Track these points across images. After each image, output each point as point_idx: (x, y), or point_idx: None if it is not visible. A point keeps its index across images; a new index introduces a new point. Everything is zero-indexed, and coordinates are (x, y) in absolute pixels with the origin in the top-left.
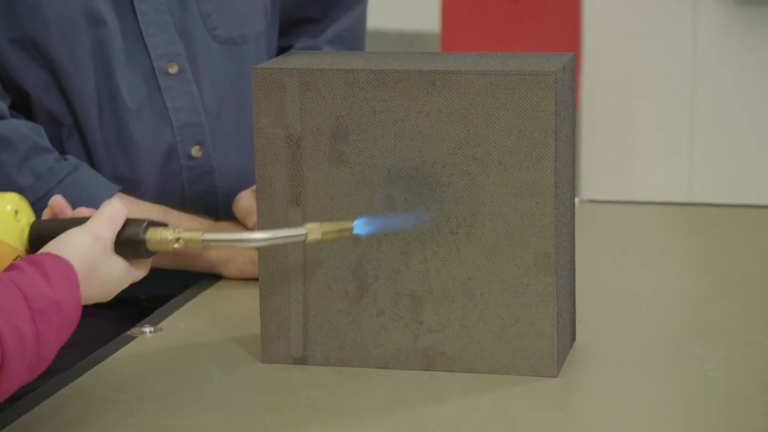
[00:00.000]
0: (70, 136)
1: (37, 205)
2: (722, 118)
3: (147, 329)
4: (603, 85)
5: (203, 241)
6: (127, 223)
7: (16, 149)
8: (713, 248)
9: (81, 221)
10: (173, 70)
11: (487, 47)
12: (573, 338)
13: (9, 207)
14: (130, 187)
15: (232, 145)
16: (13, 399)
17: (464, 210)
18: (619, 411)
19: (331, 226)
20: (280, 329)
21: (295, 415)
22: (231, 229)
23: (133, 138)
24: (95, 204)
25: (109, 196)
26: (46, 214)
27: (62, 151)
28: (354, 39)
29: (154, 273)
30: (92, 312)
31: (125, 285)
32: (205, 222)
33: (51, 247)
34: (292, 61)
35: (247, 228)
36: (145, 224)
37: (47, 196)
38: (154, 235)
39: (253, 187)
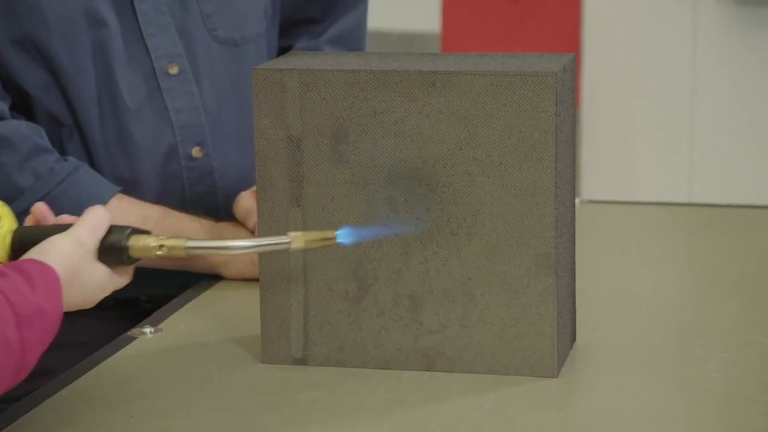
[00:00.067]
0: (70, 137)
1: None
2: (722, 118)
3: (147, 330)
4: (603, 86)
5: (186, 248)
6: (111, 229)
7: (17, 150)
8: (713, 249)
9: (64, 228)
10: (173, 70)
11: (487, 48)
12: (573, 338)
13: None
14: (131, 188)
15: (232, 146)
16: (12, 399)
17: (464, 210)
18: (619, 411)
19: (314, 235)
20: (280, 330)
21: (295, 416)
22: (231, 229)
23: (134, 138)
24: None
25: (110, 196)
26: (28, 221)
27: (62, 152)
28: (354, 39)
29: (155, 274)
30: (92, 313)
31: (107, 292)
32: (205, 223)
33: (34, 254)
34: (293, 61)
35: (248, 228)
36: (128, 231)
37: (47, 196)
38: (136, 242)
39: (254, 188)
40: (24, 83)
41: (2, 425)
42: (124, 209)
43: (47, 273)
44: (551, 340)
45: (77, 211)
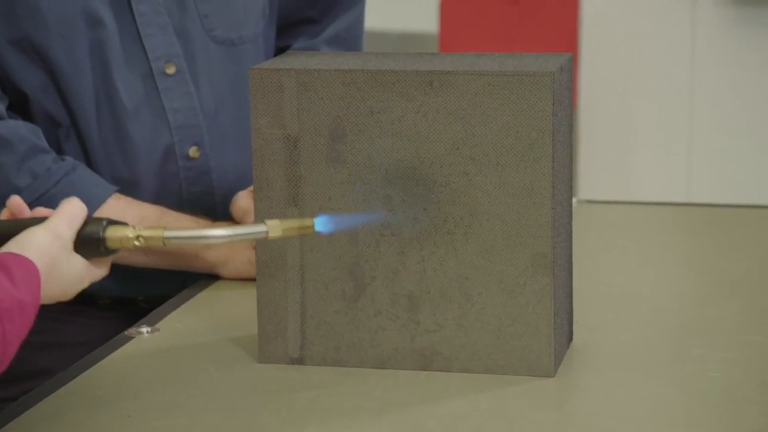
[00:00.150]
0: (67, 137)
1: (35, 205)
2: (721, 118)
3: (144, 329)
4: (601, 86)
5: (164, 238)
6: (87, 221)
7: (14, 150)
8: (711, 248)
9: (40, 220)
10: (171, 70)
11: (485, 48)
12: (570, 338)
13: None
14: (128, 188)
15: (229, 146)
16: (9, 399)
17: (461, 210)
18: (617, 411)
19: (291, 223)
20: (277, 329)
21: (292, 415)
22: None
23: (131, 138)
24: (93, 205)
25: (107, 196)
26: (4, 214)
27: (60, 152)
28: (352, 39)
29: (152, 274)
30: (90, 313)
31: (85, 284)
32: (202, 222)
33: (11, 247)
34: (290, 61)
35: None
36: (104, 222)
37: (44, 196)
38: (114, 233)
39: (251, 188)
40: (22, 83)
41: None
42: (121, 209)
43: (27, 266)
44: (548, 340)
45: None
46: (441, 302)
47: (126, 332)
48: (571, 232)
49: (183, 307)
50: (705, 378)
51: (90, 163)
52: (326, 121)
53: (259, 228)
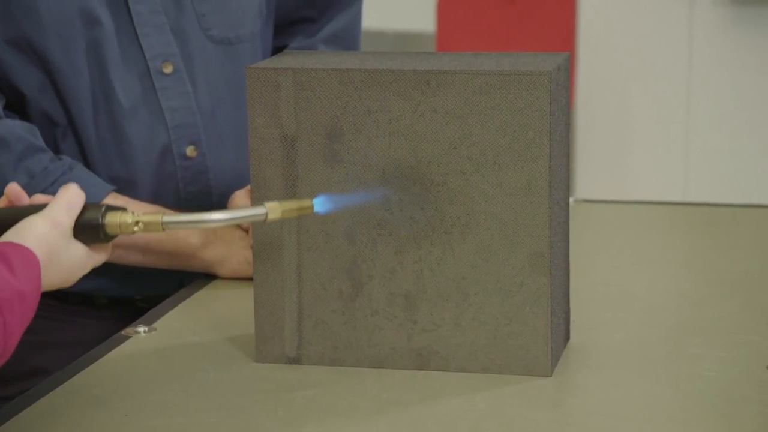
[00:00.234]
0: (64, 136)
1: None
2: (718, 117)
3: (141, 329)
4: (599, 85)
5: (163, 223)
6: (86, 207)
7: (11, 150)
8: (708, 248)
9: (39, 208)
10: (168, 70)
11: (482, 47)
12: (567, 338)
13: None
14: (125, 187)
15: (227, 145)
16: (6, 398)
17: (459, 209)
18: (613, 410)
19: (291, 204)
20: (274, 329)
21: (289, 415)
22: (225, 228)
23: (128, 138)
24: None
25: (104, 196)
26: (2, 202)
27: (57, 152)
28: (349, 39)
29: (150, 274)
30: (87, 313)
31: (86, 270)
32: None
33: (10, 236)
34: (287, 60)
35: (242, 228)
36: (103, 209)
37: None
38: (113, 219)
39: (248, 187)
40: (19, 83)
41: None
42: None
43: (26, 255)
44: (545, 339)
45: None
46: (438, 302)
47: (123, 332)
48: (568, 231)
49: (180, 306)
50: (702, 377)
51: (87, 163)
52: (323, 120)
53: (259, 210)
